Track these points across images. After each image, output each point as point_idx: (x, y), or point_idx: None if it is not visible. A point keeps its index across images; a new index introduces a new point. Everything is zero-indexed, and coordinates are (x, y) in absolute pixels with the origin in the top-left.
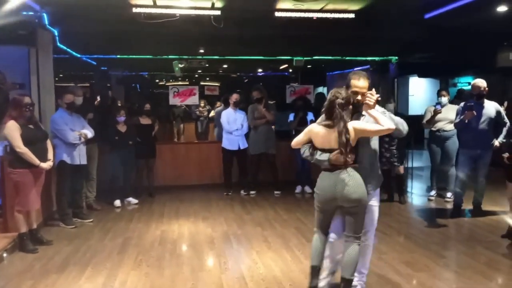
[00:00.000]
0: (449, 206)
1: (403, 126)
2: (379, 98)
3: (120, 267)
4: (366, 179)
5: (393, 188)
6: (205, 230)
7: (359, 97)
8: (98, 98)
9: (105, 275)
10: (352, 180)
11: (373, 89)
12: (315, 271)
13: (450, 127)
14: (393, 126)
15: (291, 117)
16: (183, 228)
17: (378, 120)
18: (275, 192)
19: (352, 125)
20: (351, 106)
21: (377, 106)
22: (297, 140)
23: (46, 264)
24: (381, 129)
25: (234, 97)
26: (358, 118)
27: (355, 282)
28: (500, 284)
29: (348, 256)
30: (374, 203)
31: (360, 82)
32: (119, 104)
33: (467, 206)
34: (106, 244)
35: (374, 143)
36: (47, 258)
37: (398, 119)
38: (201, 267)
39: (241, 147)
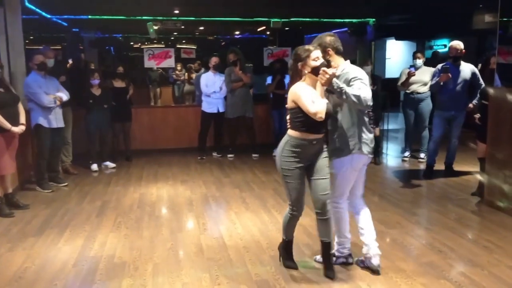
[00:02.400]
0: (422, 166)
1: (362, 101)
2: (336, 74)
3: (99, 230)
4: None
5: None
6: (184, 192)
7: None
8: (70, 61)
9: (84, 237)
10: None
11: (332, 66)
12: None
13: (424, 89)
14: (320, 114)
15: (269, 80)
16: (162, 191)
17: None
18: (253, 155)
19: (295, 87)
20: (307, 67)
21: (336, 81)
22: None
23: (24, 227)
24: (310, 111)
25: (214, 60)
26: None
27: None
28: (469, 239)
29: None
30: (331, 170)
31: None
32: (92, 67)
33: (440, 166)
34: (84, 207)
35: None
36: (24, 222)
37: (352, 97)
38: (180, 228)
39: (220, 111)
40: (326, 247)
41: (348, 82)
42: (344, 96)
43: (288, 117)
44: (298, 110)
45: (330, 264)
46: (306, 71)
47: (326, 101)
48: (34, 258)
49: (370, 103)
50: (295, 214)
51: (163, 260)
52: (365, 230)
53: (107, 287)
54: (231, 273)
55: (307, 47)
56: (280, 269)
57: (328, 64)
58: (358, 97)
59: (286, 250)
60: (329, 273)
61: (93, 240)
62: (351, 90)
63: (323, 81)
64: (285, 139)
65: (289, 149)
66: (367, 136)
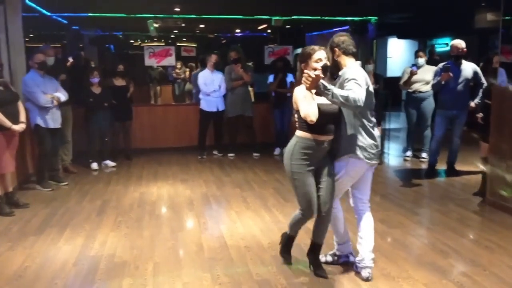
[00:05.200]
0: (424, 166)
1: (352, 102)
2: (321, 77)
3: (99, 229)
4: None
5: None
6: (184, 192)
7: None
8: (71, 59)
9: (84, 236)
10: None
11: (316, 69)
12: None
13: (426, 88)
14: (311, 117)
15: (270, 78)
16: (162, 190)
17: (302, 104)
18: (254, 154)
19: (297, 90)
20: (309, 68)
21: (323, 82)
22: None
23: (24, 226)
24: (303, 113)
25: (214, 58)
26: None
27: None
28: (470, 239)
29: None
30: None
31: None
32: (93, 65)
33: (441, 166)
34: (84, 206)
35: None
36: (24, 221)
37: (340, 98)
38: (180, 228)
39: (220, 109)
40: (317, 249)
41: (343, 83)
42: (332, 98)
43: (295, 117)
44: None
45: (319, 264)
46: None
47: (316, 103)
48: (34, 257)
49: (360, 103)
50: (306, 218)
51: (164, 260)
52: (363, 240)
53: (108, 287)
54: (232, 272)
55: (312, 47)
56: (281, 269)
57: (326, 68)
58: (346, 97)
59: (286, 243)
60: (320, 272)
61: (93, 239)
62: (338, 91)
63: (307, 85)
64: (293, 141)
65: (300, 151)
66: (366, 141)
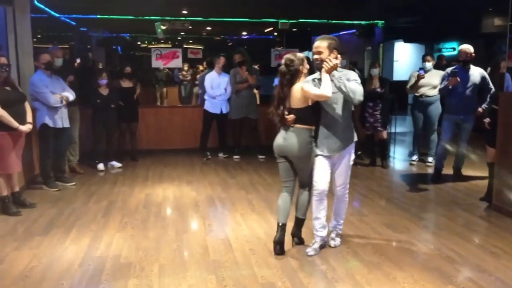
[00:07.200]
0: (430, 170)
1: (355, 95)
2: (339, 65)
3: (105, 229)
4: (336, 138)
5: (375, 152)
6: (190, 193)
7: (316, 56)
8: (78, 60)
9: (90, 237)
10: (291, 137)
11: (337, 56)
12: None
13: (433, 92)
14: (328, 94)
15: (276, 81)
16: (168, 191)
17: (322, 84)
18: (260, 156)
19: (301, 85)
20: (304, 69)
21: (336, 72)
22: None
23: (30, 226)
24: (318, 93)
25: (222, 60)
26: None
27: (331, 228)
28: (476, 244)
29: (300, 200)
30: (348, 159)
31: (315, 43)
32: (100, 67)
33: (448, 170)
34: (90, 207)
35: (342, 109)
36: (30, 221)
37: (354, 87)
38: (186, 229)
39: (223, 112)
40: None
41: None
42: (344, 88)
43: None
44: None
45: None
46: (305, 71)
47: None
48: (41, 257)
49: (361, 99)
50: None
51: (169, 261)
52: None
53: None
54: (237, 275)
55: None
56: (286, 272)
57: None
58: (353, 90)
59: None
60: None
61: (99, 240)
62: (348, 83)
63: (327, 69)
64: (300, 132)
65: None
66: (321, 133)
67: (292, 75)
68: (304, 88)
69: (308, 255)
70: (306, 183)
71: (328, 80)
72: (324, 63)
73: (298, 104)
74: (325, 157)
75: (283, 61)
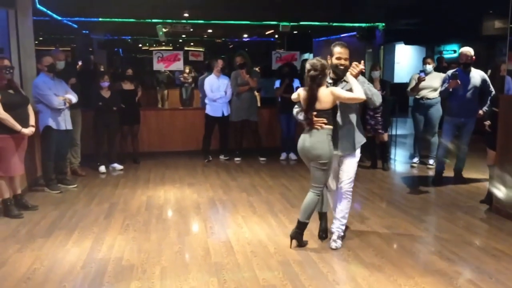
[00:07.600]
0: (431, 173)
1: (377, 98)
2: (363, 70)
3: (107, 232)
4: (343, 141)
5: (376, 155)
6: (191, 196)
7: (342, 62)
8: (80, 63)
9: (92, 239)
10: (313, 139)
11: (362, 62)
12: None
13: (434, 95)
14: (363, 96)
15: (277, 83)
16: (169, 194)
17: (353, 88)
18: (261, 158)
19: (330, 89)
20: (329, 73)
21: (360, 77)
22: (293, 97)
23: (32, 229)
24: (353, 97)
25: (220, 63)
26: (335, 84)
27: (332, 229)
28: (477, 247)
29: (304, 202)
30: (353, 160)
31: (340, 49)
32: (102, 69)
33: (449, 173)
34: (92, 209)
35: (353, 112)
36: (32, 223)
37: (374, 91)
38: (187, 232)
39: (225, 114)
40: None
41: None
42: (367, 88)
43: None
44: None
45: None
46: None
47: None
48: (43, 260)
49: (380, 102)
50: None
51: (171, 263)
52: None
53: None
54: (238, 277)
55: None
56: (287, 274)
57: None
58: (377, 94)
59: (302, 230)
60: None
61: (101, 242)
62: (371, 87)
63: (354, 72)
64: (322, 135)
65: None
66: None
67: (321, 79)
68: (336, 93)
69: (332, 248)
70: (315, 185)
71: (357, 83)
72: (351, 68)
73: (323, 107)
74: (338, 156)
75: (310, 66)
